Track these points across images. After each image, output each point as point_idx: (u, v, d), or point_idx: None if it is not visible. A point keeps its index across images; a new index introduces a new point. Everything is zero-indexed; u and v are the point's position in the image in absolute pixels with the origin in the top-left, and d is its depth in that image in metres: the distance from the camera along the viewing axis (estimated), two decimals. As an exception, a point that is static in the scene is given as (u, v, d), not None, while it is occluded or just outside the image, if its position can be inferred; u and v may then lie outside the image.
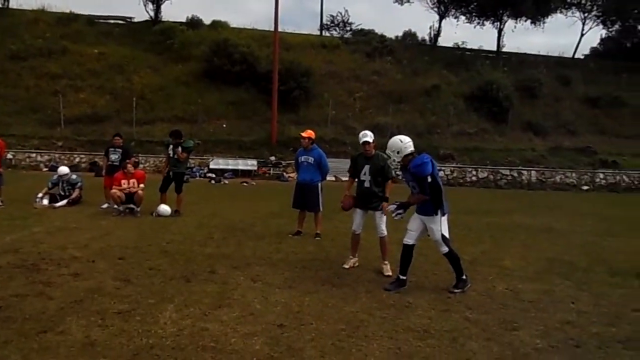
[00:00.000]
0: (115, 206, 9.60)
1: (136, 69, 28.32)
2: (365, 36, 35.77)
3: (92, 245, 6.69)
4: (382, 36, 35.37)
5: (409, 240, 5.23)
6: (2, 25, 30.09)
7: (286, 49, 29.58)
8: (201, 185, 18.21)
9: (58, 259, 5.81)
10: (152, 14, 35.07)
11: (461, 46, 36.45)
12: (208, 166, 23.01)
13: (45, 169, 21.17)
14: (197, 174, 22.04)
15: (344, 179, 23.21)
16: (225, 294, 4.72)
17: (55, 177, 10.82)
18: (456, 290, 5.09)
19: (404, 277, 5.21)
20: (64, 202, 10.39)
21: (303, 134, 8.10)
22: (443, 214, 5.04)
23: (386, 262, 5.87)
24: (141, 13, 38.17)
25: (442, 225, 5.04)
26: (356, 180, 6.23)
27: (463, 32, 57.13)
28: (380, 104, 28.56)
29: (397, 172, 5.83)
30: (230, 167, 23.16)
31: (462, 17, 37.55)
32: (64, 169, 10.99)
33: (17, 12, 32.57)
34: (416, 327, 4.07)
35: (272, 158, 24.11)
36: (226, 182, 20.70)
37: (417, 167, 4.93)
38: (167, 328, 3.76)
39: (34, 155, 22.37)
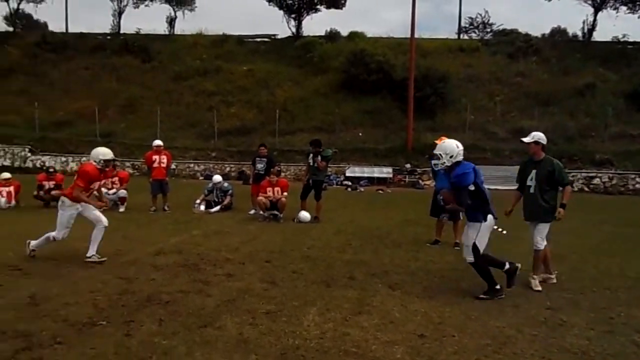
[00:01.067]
0: (261, 212, 10.29)
1: (279, 82, 30.22)
2: (507, 36, 33.88)
3: (242, 248, 7.24)
4: (527, 35, 33.20)
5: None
6: (168, 50, 34.25)
7: (422, 55, 29.23)
8: (338, 192, 18.71)
9: (214, 260, 6.39)
10: (294, 30, 37.26)
11: (622, 40, 32.59)
12: (344, 174, 23.56)
13: (201, 178, 23.47)
14: (334, 181, 22.70)
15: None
16: (365, 300, 4.78)
17: (210, 185, 11.93)
18: (482, 296, 4.91)
19: (498, 287, 4.98)
20: (218, 208, 11.40)
21: (437, 142, 7.88)
22: (485, 220, 4.93)
23: (535, 276, 5.46)
24: (284, 30, 40.71)
25: (479, 234, 4.93)
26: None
27: (624, 24, 50.85)
28: (524, 107, 26.80)
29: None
30: (365, 174, 23.47)
31: (623, 8, 33.63)
32: (218, 178, 12.07)
33: (179, 38, 36.90)
34: (573, 348, 3.72)
35: (408, 165, 23.90)
36: (362, 189, 20.99)
37: (458, 176, 4.87)
38: (310, 330, 3.92)
39: (192, 165, 24.97)
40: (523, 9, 68.29)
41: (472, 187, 4.83)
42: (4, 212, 10.63)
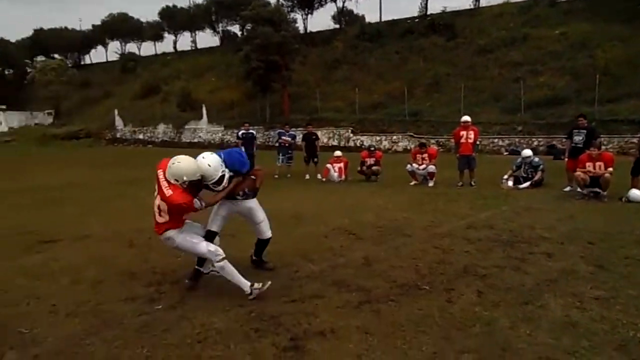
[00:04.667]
0: (579, 189, 9.31)
1: (599, 43, 26.29)
2: None
3: (558, 227, 6.72)
4: None
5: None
6: (472, 24, 34.03)
7: None
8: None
9: (527, 237, 6.14)
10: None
11: None
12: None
13: (505, 153, 22.65)
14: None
15: None
16: None
17: (519, 160, 11.42)
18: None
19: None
20: (527, 184, 10.84)
21: None
22: None
23: None
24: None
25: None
26: None
27: None
28: None
29: None
30: None
31: None
32: (527, 152, 11.46)
33: (485, 10, 36.11)
34: None
35: None
36: None
37: None
38: (656, 326, 3.40)
39: (496, 140, 24.30)
40: None
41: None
42: (336, 185, 12.55)
